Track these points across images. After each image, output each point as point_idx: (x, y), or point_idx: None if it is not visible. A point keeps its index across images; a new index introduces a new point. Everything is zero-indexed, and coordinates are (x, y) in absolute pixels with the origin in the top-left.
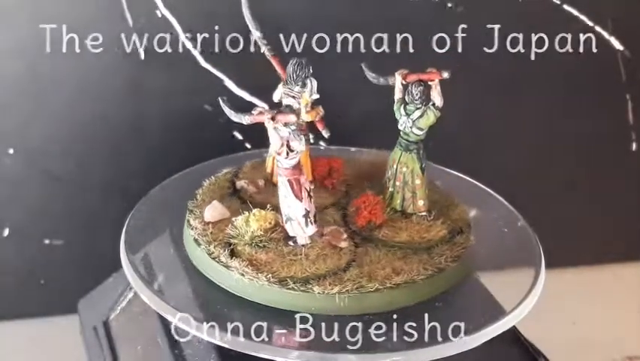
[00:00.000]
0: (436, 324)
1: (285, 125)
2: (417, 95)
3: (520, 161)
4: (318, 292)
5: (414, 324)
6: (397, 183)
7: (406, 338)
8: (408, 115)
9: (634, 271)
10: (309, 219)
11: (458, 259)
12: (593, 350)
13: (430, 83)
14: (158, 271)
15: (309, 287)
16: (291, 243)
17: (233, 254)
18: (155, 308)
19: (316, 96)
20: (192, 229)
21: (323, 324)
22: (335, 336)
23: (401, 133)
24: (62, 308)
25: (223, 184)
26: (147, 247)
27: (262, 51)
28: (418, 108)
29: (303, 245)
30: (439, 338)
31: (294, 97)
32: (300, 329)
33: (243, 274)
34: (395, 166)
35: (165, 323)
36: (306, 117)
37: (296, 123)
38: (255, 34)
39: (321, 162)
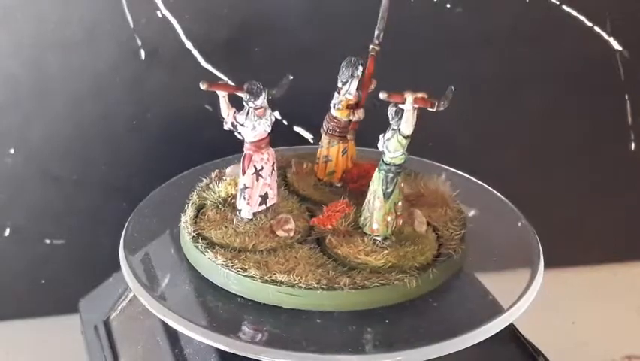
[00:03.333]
0: (434, 323)
1: (250, 102)
2: (390, 116)
3: (520, 161)
4: (209, 258)
5: (411, 323)
6: (367, 199)
7: (403, 336)
8: (384, 134)
9: (634, 271)
10: (243, 195)
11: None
12: (592, 350)
13: (401, 107)
14: (158, 275)
15: (216, 249)
16: (237, 213)
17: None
18: (156, 313)
19: (350, 96)
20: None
21: (320, 323)
22: (329, 336)
23: None
24: (62, 308)
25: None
26: (147, 250)
27: (370, 47)
28: (393, 130)
29: (242, 218)
30: (438, 337)
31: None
32: (301, 329)
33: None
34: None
35: (166, 323)
36: (333, 112)
37: (255, 105)
38: (376, 32)
39: (356, 166)
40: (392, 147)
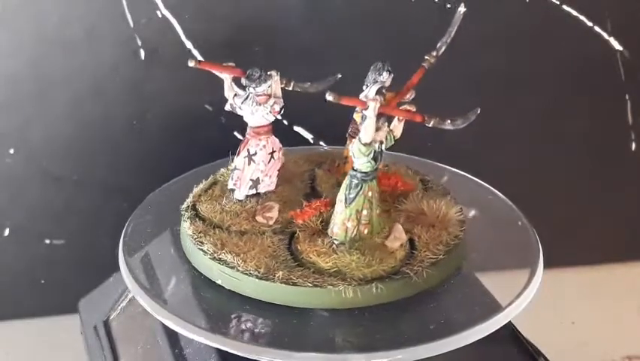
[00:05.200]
0: (432, 322)
1: (250, 87)
2: (359, 120)
3: (520, 161)
4: (184, 226)
5: (408, 321)
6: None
7: (403, 335)
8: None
9: (634, 271)
10: (232, 176)
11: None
12: (592, 350)
13: (364, 113)
14: (157, 276)
15: (196, 220)
16: (231, 194)
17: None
18: (155, 315)
19: (366, 100)
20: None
21: (321, 323)
22: (326, 335)
23: None
24: (62, 308)
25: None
26: (146, 252)
27: (425, 58)
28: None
29: (234, 198)
30: (436, 335)
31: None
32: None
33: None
34: None
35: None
36: (354, 114)
37: (256, 92)
38: (439, 44)
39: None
40: (355, 153)
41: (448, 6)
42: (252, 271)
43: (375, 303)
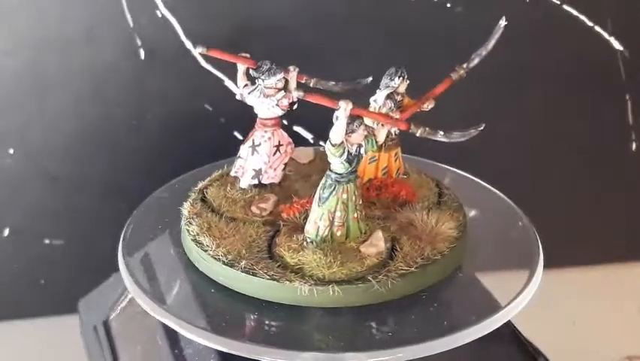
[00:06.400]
0: (432, 321)
1: (259, 79)
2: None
3: (520, 161)
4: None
5: (409, 321)
6: None
7: (403, 334)
8: None
9: (634, 271)
10: (235, 163)
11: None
12: (592, 350)
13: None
14: (157, 277)
15: (198, 201)
16: (237, 183)
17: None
18: (155, 315)
19: (374, 104)
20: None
21: (321, 323)
22: (325, 334)
23: None
24: (62, 308)
25: None
26: (146, 253)
27: (455, 68)
28: None
29: (239, 186)
30: (435, 334)
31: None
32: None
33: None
34: None
35: (165, 324)
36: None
37: (265, 85)
38: (472, 56)
39: (383, 180)
40: (327, 152)
41: (448, 5)
42: (220, 256)
43: (332, 305)
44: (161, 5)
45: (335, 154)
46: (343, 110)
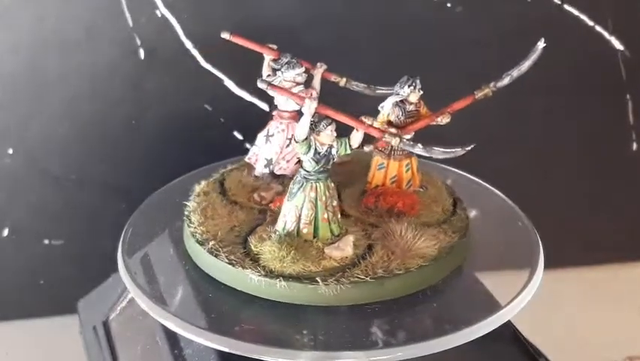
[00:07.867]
0: (432, 320)
1: (279, 71)
2: None
3: (520, 161)
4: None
5: (406, 319)
6: None
7: (402, 333)
8: None
9: (635, 272)
10: (251, 149)
11: None
12: (593, 350)
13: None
14: (157, 277)
15: (216, 183)
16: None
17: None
18: (155, 316)
19: (382, 110)
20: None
21: (315, 322)
22: (326, 333)
23: None
24: (62, 308)
25: None
26: (145, 253)
27: (482, 86)
28: None
29: (253, 173)
30: (435, 333)
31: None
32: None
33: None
34: None
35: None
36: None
37: (284, 77)
38: (504, 75)
39: (385, 189)
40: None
41: (448, 5)
42: (196, 234)
43: (280, 299)
44: (160, 5)
45: (300, 151)
46: (307, 107)
